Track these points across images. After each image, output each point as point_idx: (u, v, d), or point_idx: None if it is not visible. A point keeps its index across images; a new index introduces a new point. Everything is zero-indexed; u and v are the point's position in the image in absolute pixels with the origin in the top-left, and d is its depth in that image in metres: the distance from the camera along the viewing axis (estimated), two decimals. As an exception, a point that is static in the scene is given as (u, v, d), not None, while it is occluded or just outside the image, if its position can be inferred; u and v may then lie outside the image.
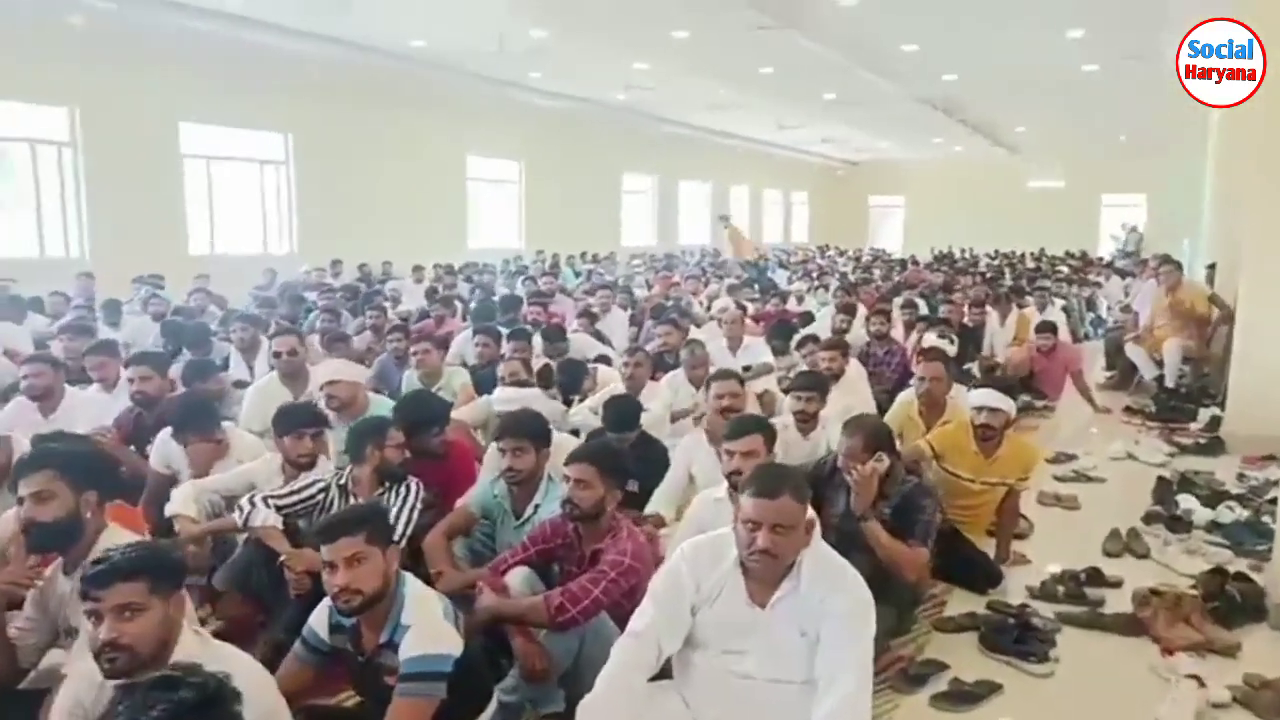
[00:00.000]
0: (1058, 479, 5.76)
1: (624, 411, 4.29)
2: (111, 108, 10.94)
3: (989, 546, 4.33)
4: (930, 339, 6.81)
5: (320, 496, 3.28)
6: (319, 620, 2.43)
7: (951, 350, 6.45)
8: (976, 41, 12.71)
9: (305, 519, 3.27)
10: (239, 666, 1.95)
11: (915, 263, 18.56)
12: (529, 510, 3.35)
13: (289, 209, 13.77)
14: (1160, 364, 8.13)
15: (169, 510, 3.35)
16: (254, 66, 12.10)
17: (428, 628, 2.26)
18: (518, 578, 2.96)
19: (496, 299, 9.16)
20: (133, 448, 4.32)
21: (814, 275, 14.46)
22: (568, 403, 5.44)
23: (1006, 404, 4.31)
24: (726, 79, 15.76)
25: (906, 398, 5.21)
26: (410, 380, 5.42)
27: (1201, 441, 6.62)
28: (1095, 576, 4.11)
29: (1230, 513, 4.91)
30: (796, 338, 7.32)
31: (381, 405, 4.49)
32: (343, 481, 3.35)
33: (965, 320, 8.83)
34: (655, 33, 12.02)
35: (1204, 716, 3.02)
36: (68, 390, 4.59)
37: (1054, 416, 7.60)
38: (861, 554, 3.50)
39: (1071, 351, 8.27)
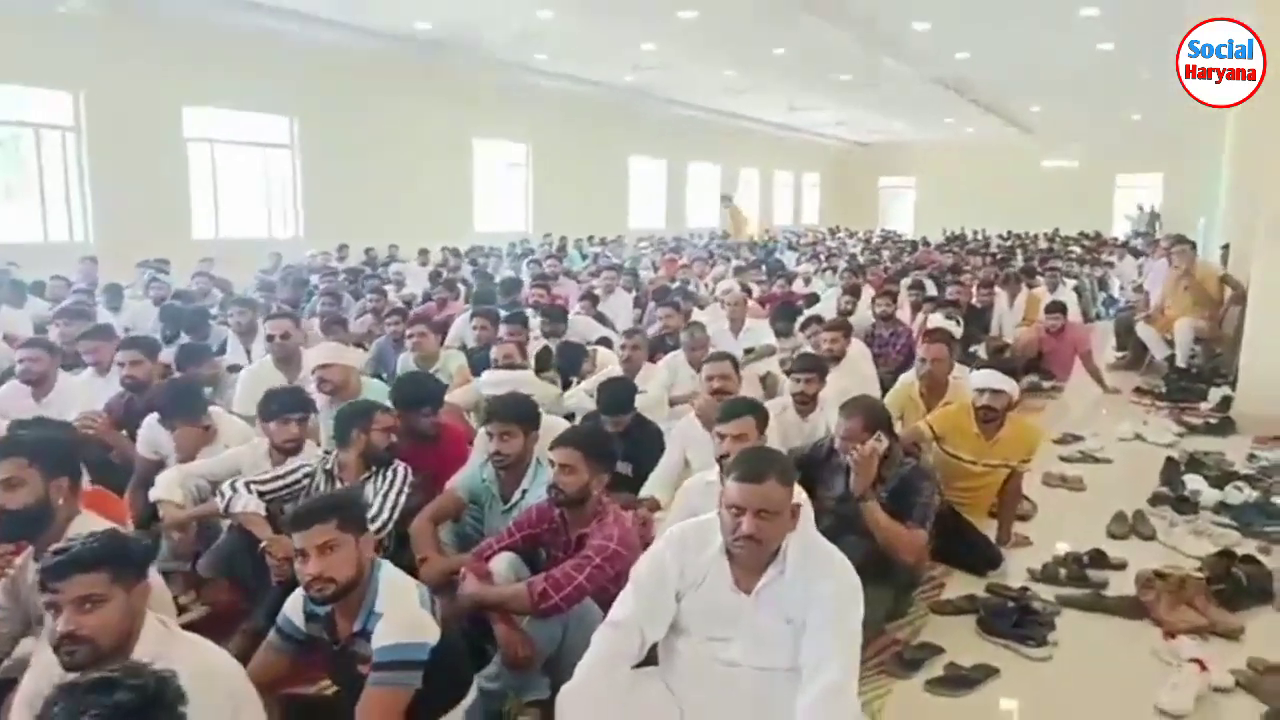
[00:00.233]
0: (1064, 460, 5.68)
1: (618, 394, 4.23)
2: (115, 92, 10.91)
3: (990, 528, 4.26)
4: (935, 320, 6.72)
5: (305, 481, 3.24)
6: (294, 608, 2.38)
7: (957, 331, 6.37)
8: (989, 20, 12.53)
9: (290, 504, 3.21)
10: (204, 659, 1.90)
11: (926, 244, 18.41)
12: (516, 495, 3.30)
13: (294, 193, 13.73)
14: (1172, 344, 8.03)
15: (153, 496, 3.31)
16: (258, 50, 12.07)
17: (402, 616, 2.21)
18: (502, 563, 2.91)
19: (498, 281, 9.10)
20: (124, 432, 4.28)
21: (823, 257, 14.34)
22: (567, 385, 5.41)
23: (1009, 385, 4.24)
24: (736, 60, 15.62)
25: (908, 379, 5.15)
26: (406, 363, 5.38)
27: (1212, 421, 6.53)
28: (1098, 559, 4.04)
29: (1239, 493, 4.81)
30: (800, 319, 7.26)
31: (375, 389, 4.45)
32: (329, 466, 3.31)
33: (974, 301, 8.74)
34: (662, 13, 11.89)
35: (1205, 701, 2.96)
36: (60, 375, 4.57)
37: (1062, 397, 7.50)
38: (857, 537, 3.46)
39: (1081, 332, 8.15)
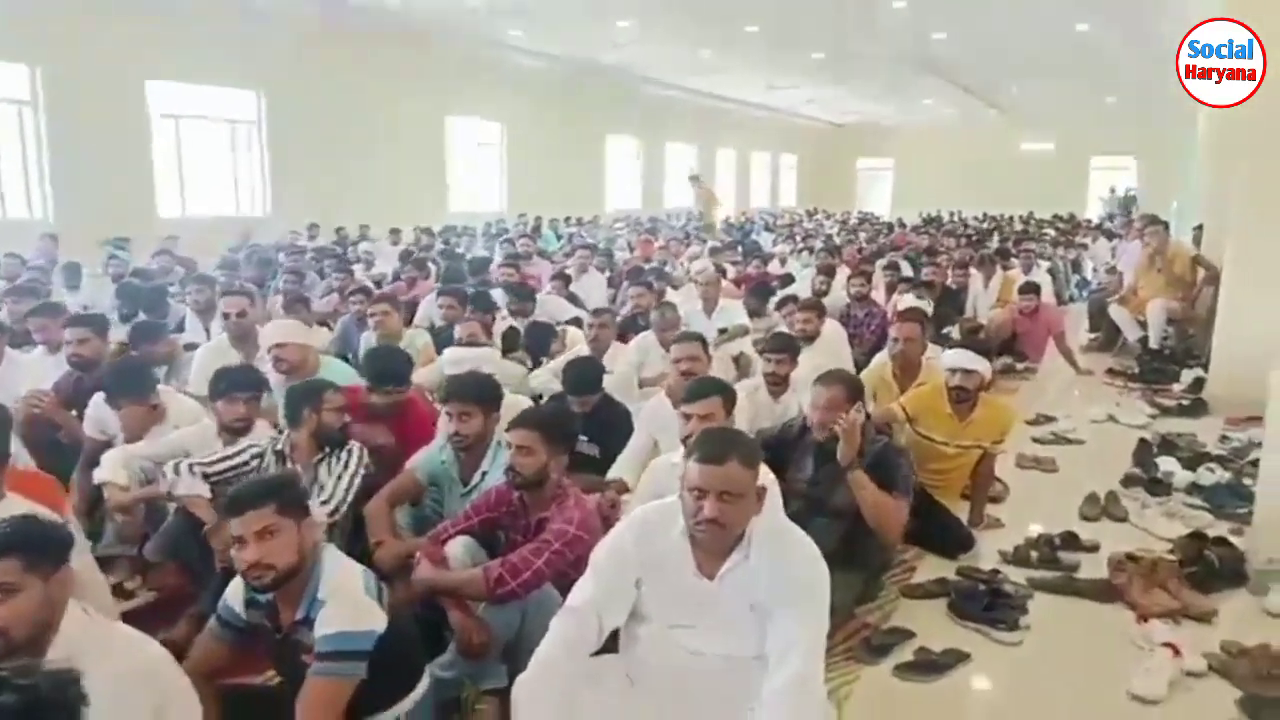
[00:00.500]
0: (1036, 441, 5.64)
1: (585, 374, 4.12)
2: (74, 65, 10.57)
3: (963, 511, 4.21)
4: (908, 300, 6.67)
5: (255, 463, 3.10)
6: (235, 595, 2.27)
7: (929, 310, 6.32)
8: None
9: (241, 487, 3.10)
10: (127, 652, 1.78)
11: (903, 226, 18.38)
12: (476, 477, 3.18)
13: (263, 171, 13.43)
14: (1144, 325, 8.03)
15: (97, 477, 3.17)
16: (224, 23, 11.76)
17: (345, 603, 2.10)
18: (458, 547, 2.80)
19: (468, 260, 8.95)
20: (74, 412, 4.14)
21: (799, 238, 14.26)
22: (536, 366, 5.30)
23: (982, 365, 4.17)
24: (710, 37, 15.44)
25: (881, 359, 5.10)
26: (369, 342, 5.24)
27: (1184, 403, 6.51)
28: (1070, 541, 4.00)
29: (1211, 474, 4.79)
30: (775, 298, 7.19)
31: (334, 368, 4.33)
32: (279, 447, 3.18)
33: (949, 282, 8.69)
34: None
35: (1179, 686, 2.91)
36: (8, 353, 4.44)
37: (1035, 379, 7.47)
38: (828, 520, 3.40)
39: (1054, 313, 8.13)
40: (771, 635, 2.15)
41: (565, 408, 3.84)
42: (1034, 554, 3.87)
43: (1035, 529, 4.16)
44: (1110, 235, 16.32)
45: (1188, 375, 7.05)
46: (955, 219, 21.53)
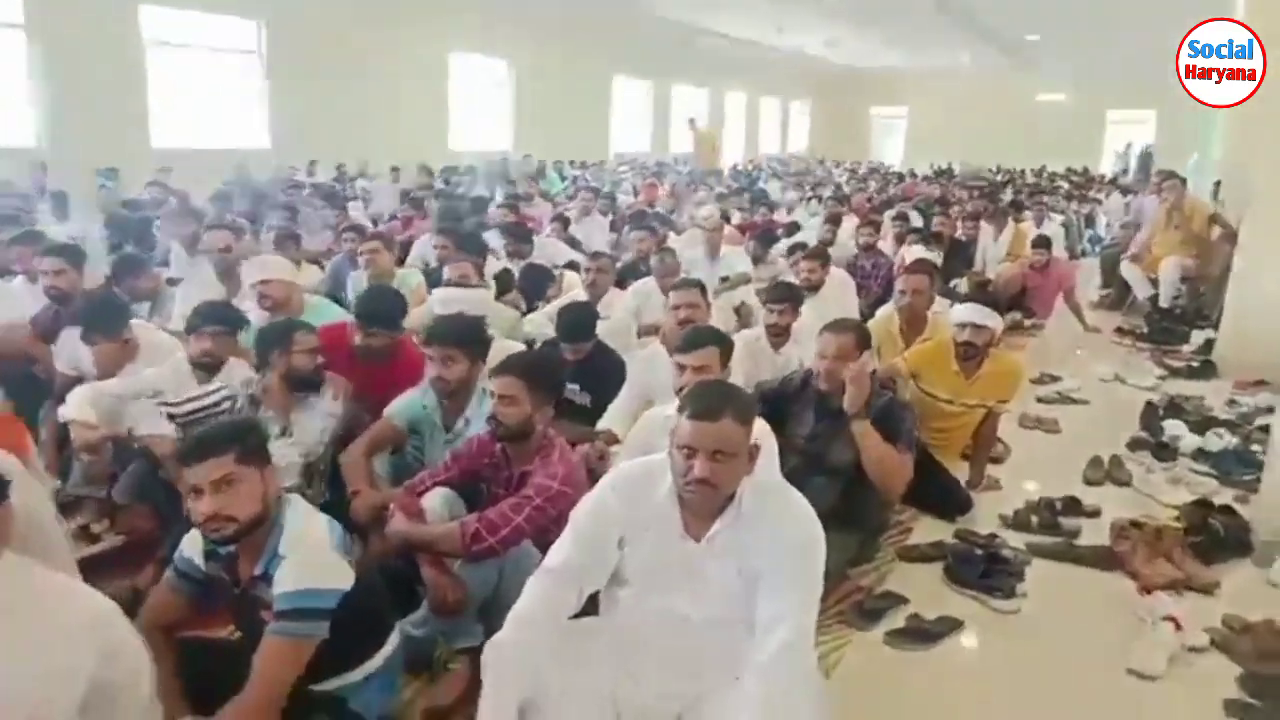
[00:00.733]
0: (1040, 400, 5.50)
1: (578, 319, 3.98)
2: (63, -14, 10.24)
3: (962, 471, 4.10)
4: (916, 251, 6.49)
5: (227, 405, 2.97)
6: (192, 545, 2.15)
7: (937, 262, 6.15)
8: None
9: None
10: (66, 607, 1.66)
11: (914, 176, 18.04)
12: (459, 424, 3.06)
13: (262, 102, 13.12)
14: (1155, 284, 7.85)
15: (63, 415, 3.04)
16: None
17: (307, 559, 1.98)
18: (436, 499, 2.68)
19: (468, 199, 8.74)
20: (52, 346, 4.01)
21: (808, 186, 13.98)
22: (532, 309, 5.15)
23: (992, 320, 4.02)
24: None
25: (886, 313, 4.93)
26: (358, 281, 5.08)
27: (1193, 364, 6.36)
28: (1072, 505, 3.88)
29: (1219, 440, 4.65)
30: (783, 245, 7.02)
31: (320, 306, 4.19)
32: (252, 391, 3.05)
33: (958, 235, 8.50)
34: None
35: (1178, 661, 2.82)
36: (-11, 282, 4.30)
37: (1042, 335, 7.32)
38: (826, 478, 3.29)
39: (1065, 268, 7.94)
40: (761, 601, 2.03)
41: (552, 354, 3.71)
42: (1034, 518, 3.76)
43: (1036, 492, 4.05)
44: (1125, 191, 16.01)
45: (1198, 336, 6.89)
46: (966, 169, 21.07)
